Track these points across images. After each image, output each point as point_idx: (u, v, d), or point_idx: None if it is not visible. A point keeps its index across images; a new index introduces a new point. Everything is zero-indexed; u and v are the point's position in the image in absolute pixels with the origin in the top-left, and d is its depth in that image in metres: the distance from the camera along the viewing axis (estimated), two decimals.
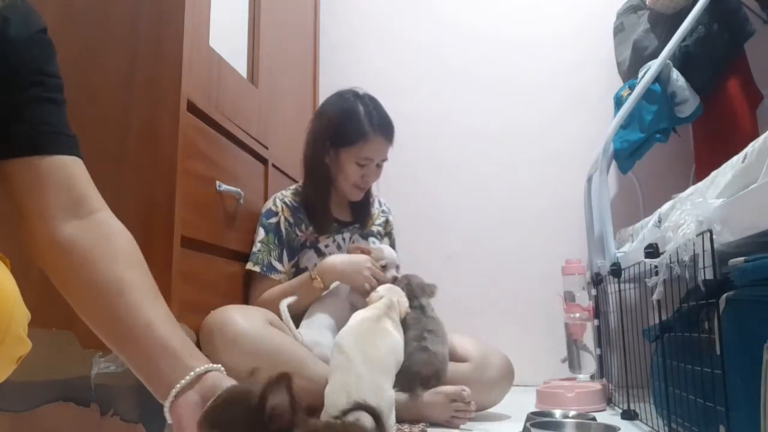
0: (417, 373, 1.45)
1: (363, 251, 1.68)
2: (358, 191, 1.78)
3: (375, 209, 1.91)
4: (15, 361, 0.66)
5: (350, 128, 1.70)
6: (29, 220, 0.77)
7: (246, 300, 1.65)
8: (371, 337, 1.35)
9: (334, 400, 1.24)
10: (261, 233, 1.69)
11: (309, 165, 1.78)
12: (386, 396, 1.28)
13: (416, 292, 1.60)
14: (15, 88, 0.75)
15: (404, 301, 1.54)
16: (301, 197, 1.77)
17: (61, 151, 0.79)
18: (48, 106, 0.79)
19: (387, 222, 1.93)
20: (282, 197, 1.76)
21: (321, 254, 1.73)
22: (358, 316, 1.43)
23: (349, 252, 1.71)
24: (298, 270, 1.73)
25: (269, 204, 1.75)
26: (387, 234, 1.93)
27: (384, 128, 1.71)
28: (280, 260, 1.69)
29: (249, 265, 1.66)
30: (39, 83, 0.78)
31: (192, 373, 0.72)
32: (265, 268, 1.66)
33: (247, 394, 0.63)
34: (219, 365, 0.76)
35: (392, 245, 1.91)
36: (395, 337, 1.42)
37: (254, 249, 1.68)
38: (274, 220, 1.71)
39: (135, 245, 0.82)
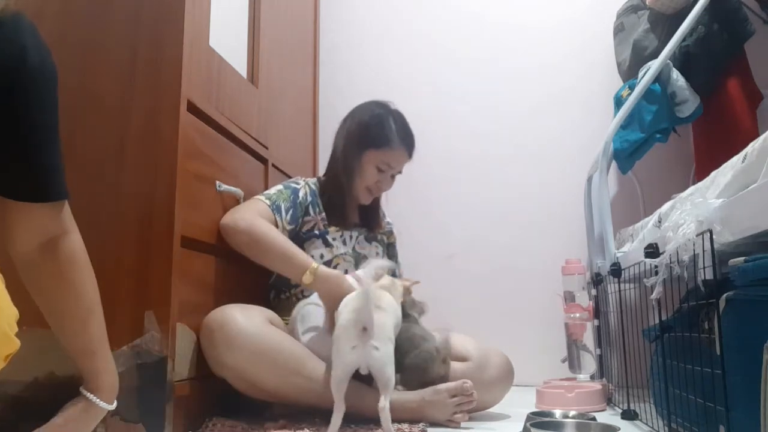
0: (418, 366, 1.47)
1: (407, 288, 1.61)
2: (369, 195, 1.81)
3: (382, 219, 1.94)
4: (3, 359, 0.66)
5: (380, 132, 1.76)
6: (10, 232, 0.82)
7: (246, 300, 1.61)
8: (376, 292, 1.41)
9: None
10: (279, 187, 1.75)
11: (337, 157, 1.82)
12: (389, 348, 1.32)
13: (407, 307, 1.59)
14: (24, 124, 0.77)
15: (401, 283, 1.58)
16: (322, 187, 1.82)
17: (58, 197, 0.83)
18: (53, 151, 0.81)
19: (391, 233, 1.97)
20: (306, 180, 1.82)
21: (328, 245, 1.73)
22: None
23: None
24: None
25: (294, 178, 1.83)
26: (389, 244, 1.95)
27: (409, 141, 1.80)
28: (287, 212, 1.69)
29: (257, 197, 1.67)
30: (48, 126, 0.80)
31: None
32: (273, 207, 1.66)
33: None
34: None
35: (395, 256, 1.95)
36: (394, 303, 1.47)
37: (268, 191, 1.71)
38: (295, 185, 1.77)
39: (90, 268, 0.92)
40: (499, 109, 2.57)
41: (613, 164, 2.16)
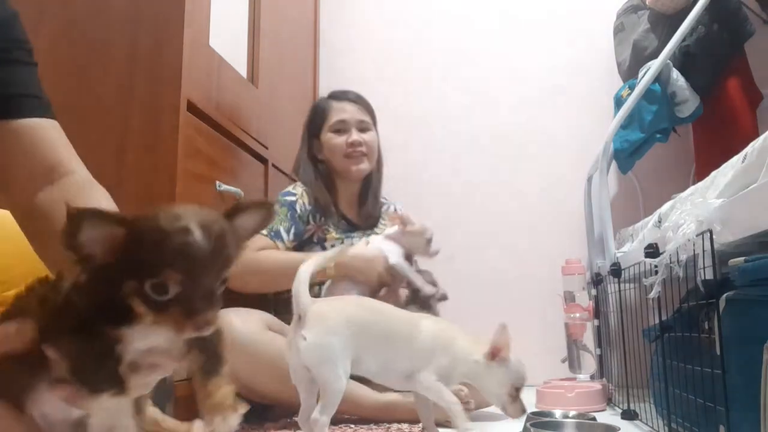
0: None
1: (403, 220, 1.64)
2: (353, 162, 1.80)
3: (385, 212, 1.91)
4: None
5: (317, 111, 1.88)
6: (7, 186, 0.75)
7: (247, 299, 1.63)
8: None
9: None
10: (275, 207, 1.71)
11: (304, 163, 1.82)
12: None
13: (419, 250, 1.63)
14: None
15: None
16: (310, 197, 1.78)
17: (38, 113, 0.75)
18: (14, 67, 0.75)
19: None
20: (303, 187, 1.79)
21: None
22: None
23: (390, 220, 1.70)
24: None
25: (289, 188, 1.80)
26: None
27: (343, 94, 1.87)
28: (288, 232, 1.69)
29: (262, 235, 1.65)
30: (4, 49, 0.75)
31: None
32: (272, 234, 1.65)
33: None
34: None
35: None
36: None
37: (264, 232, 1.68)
38: (291, 198, 1.74)
39: (112, 203, 0.78)
40: (499, 110, 2.57)
41: (613, 164, 2.16)
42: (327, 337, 1.09)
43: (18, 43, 0.77)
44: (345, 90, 1.90)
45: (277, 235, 1.66)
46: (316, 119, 1.85)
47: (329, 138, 1.80)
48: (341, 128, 1.80)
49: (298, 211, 1.72)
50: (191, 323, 0.48)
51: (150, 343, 0.51)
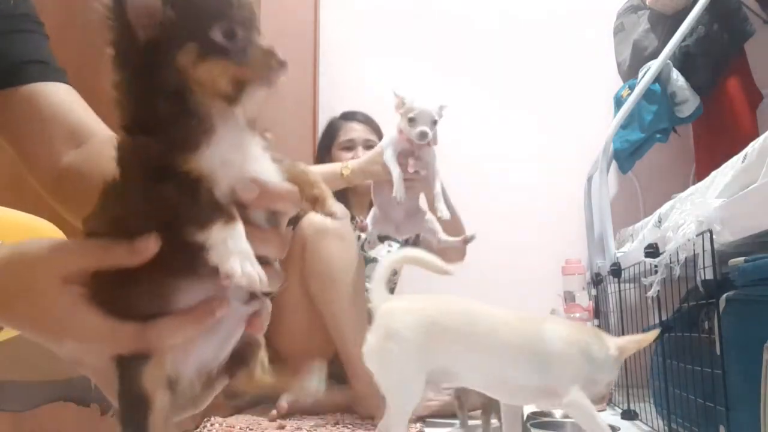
0: None
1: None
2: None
3: None
4: None
5: (329, 129, 2.06)
6: (29, 156, 0.72)
7: None
8: None
9: None
10: None
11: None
12: None
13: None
14: None
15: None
16: None
17: (46, 78, 0.73)
18: (23, 35, 0.73)
19: None
20: None
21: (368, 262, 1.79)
22: None
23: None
24: None
25: None
26: None
27: (352, 114, 2.03)
28: None
29: None
30: (12, 18, 0.73)
31: None
32: None
33: None
34: None
35: None
36: None
37: None
38: None
39: None
40: (499, 110, 2.57)
41: (613, 164, 2.16)
42: (387, 341, 0.93)
43: (27, 17, 0.75)
44: (355, 111, 2.05)
45: None
46: (328, 137, 2.03)
47: (339, 155, 1.93)
48: (349, 146, 1.95)
49: None
50: (277, 61, 0.48)
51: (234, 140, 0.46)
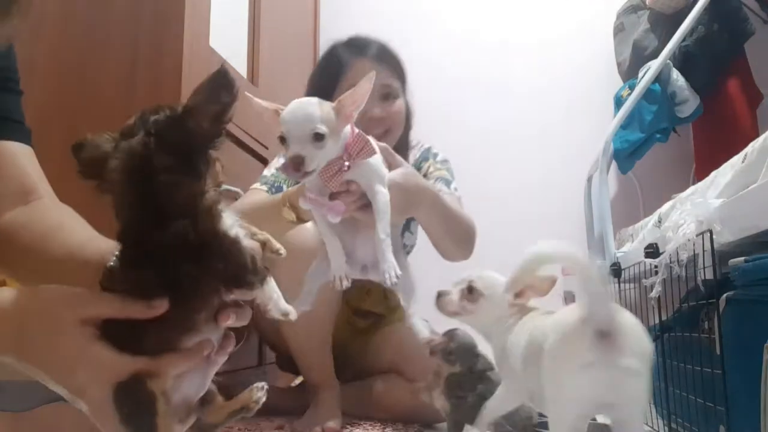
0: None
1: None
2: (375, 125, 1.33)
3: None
4: None
5: (330, 65, 1.39)
6: None
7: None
8: None
9: None
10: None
11: None
12: None
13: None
14: None
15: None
16: None
17: (11, 137, 0.77)
18: (3, 95, 0.77)
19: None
20: None
21: None
22: None
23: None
24: None
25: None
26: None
27: (365, 46, 1.38)
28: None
29: (254, 186, 1.38)
30: None
31: None
32: (273, 189, 1.35)
33: None
34: None
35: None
36: None
37: (265, 173, 1.41)
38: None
39: (82, 220, 0.79)
40: (499, 111, 2.57)
41: (613, 164, 2.16)
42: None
43: (7, 72, 0.79)
44: (367, 40, 1.41)
45: (279, 191, 1.32)
46: (328, 75, 1.37)
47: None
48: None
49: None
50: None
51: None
